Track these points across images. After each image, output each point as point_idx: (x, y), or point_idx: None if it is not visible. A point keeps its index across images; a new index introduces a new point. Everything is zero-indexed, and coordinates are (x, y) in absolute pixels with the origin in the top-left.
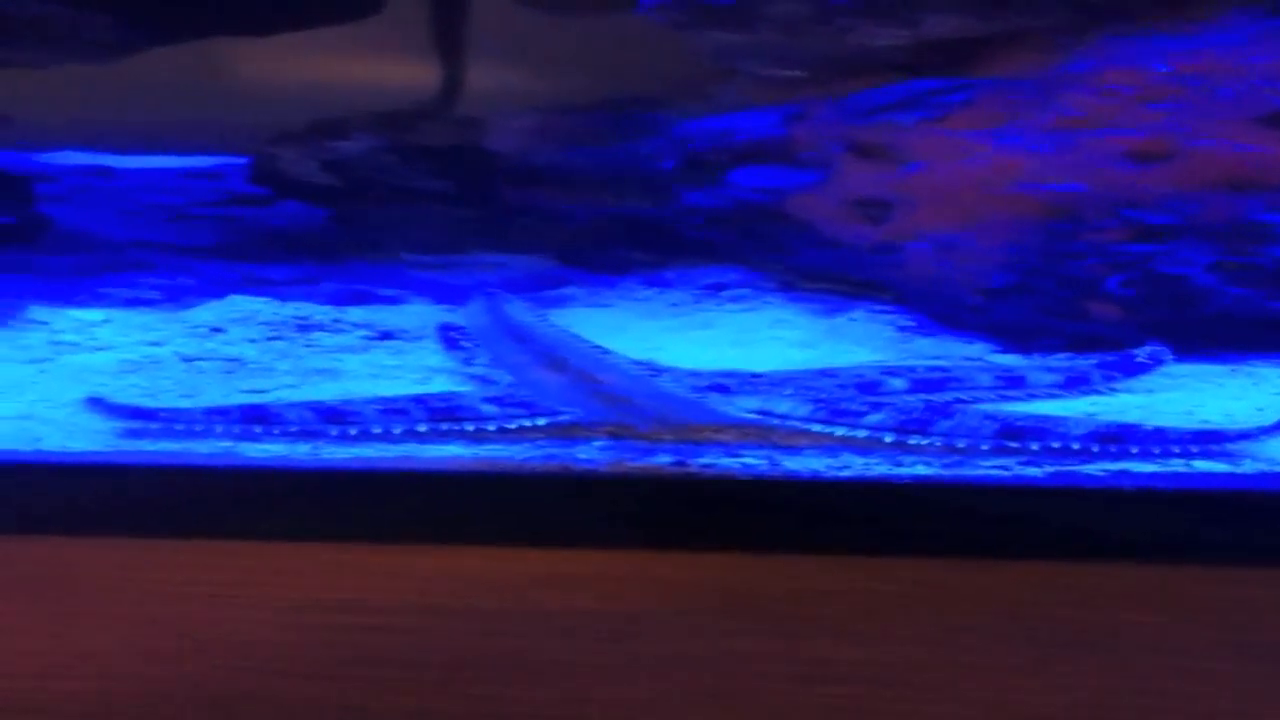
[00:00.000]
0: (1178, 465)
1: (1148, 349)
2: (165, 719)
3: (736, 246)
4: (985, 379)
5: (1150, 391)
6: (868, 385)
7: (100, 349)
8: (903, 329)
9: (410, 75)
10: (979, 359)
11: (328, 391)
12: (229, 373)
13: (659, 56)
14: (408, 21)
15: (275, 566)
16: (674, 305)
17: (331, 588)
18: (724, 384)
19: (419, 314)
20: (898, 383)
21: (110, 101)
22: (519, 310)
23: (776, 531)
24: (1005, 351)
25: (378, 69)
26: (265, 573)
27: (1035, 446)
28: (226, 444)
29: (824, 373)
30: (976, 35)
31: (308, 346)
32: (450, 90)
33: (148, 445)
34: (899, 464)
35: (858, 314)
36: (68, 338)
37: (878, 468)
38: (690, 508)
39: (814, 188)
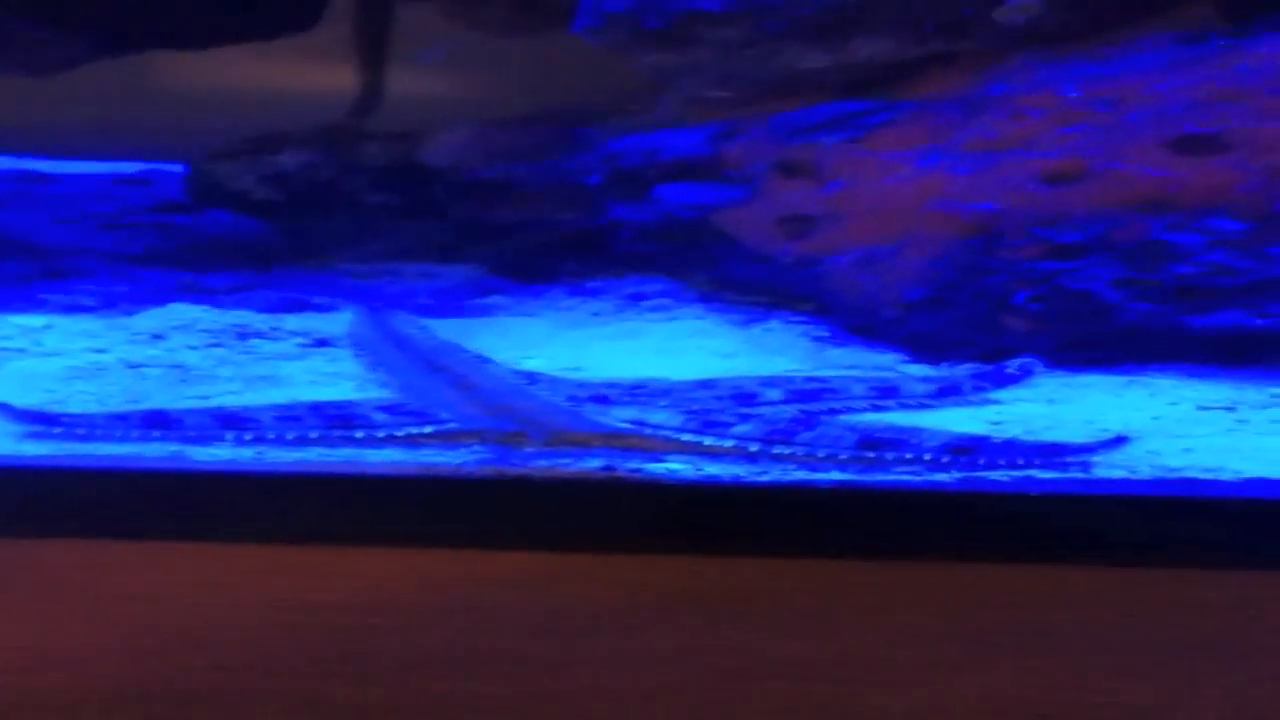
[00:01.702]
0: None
1: (1018, 361)
2: (141, 712)
3: (662, 259)
4: (859, 389)
5: (1052, 401)
6: (744, 396)
7: (47, 355)
8: (817, 339)
9: (345, 90)
10: (891, 368)
11: (272, 398)
12: (181, 380)
13: (590, 75)
14: (343, 37)
15: (234, 566)
16: (596, 315)
17: (291, 587)
18: (605, 394)
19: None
20: (773, 394)
21: (45, 109)
22: (401, 322)
23: (722, 534)
24: (917, 362)
25: (312, 83)
26: (225, 573)
27: (890, 456)
28: (174, 447)
29: (704, 384)
30: (898, 59)
31: (247, 354)
32: (384, 104)
33: (55, 449)
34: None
35: (774, 324)
36: (13, 343)
37: (796, 474)
38: (636, 511)
39: (740, 204)
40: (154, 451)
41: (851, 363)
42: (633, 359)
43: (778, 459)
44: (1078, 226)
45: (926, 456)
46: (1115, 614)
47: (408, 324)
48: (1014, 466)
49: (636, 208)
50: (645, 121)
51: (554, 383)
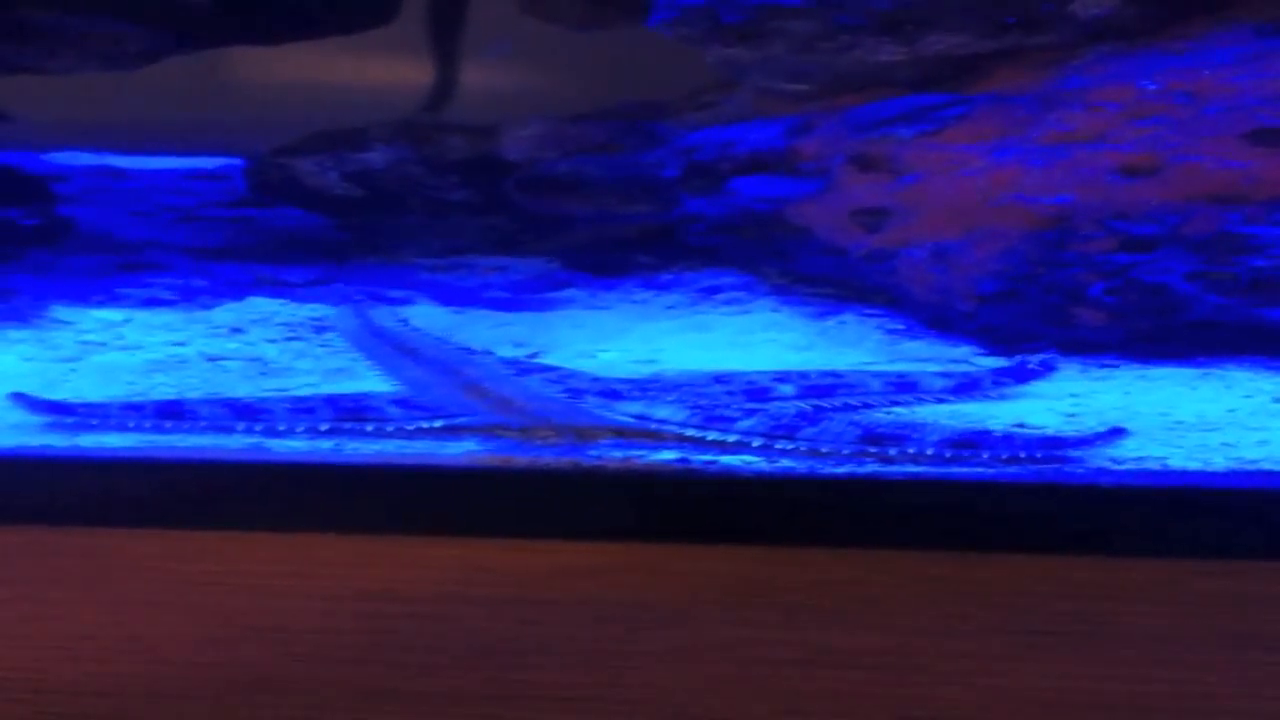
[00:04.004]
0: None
1: (1039, 356)
2: (217, 700)
3: (736, 252)
4: (876, 384)
5: (1127, 393)
6: (756, 391)
7: (127, 348)
8: (891, 332)
9: (420, 84)
10: (964, 360)
11: (349, 389)
12: (260, 373)
13: (666, 68)
14: (418, 32)
15: (308, 557)
16: (670, 308)
17: (361, 577)
18: (615, 389)
19: (427, 315)
20: (786, 389)
21: (124, 104)
22: (387, 317)
23: (782, 525)
24: (991, 355)
25: (387, 78)
26: (299, 563)
27: (893, 451)
28: (255, 439)
29: (718, 378)
30: (973, 52)
31: (324, 347)
32: (458, 99)
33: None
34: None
35: (848, 317)
36: (94, 337)
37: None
38: (699, 502)
39: (814, 197)
40: (181, 441)
41: (926, 356)
42: (706, 352)
43: (780, 454)
44: (1152, 219)
45: (929, 451)
46: (1179, 606)
47: (390, 318)
48: (1015, 460)
49: (711, 201)
50: (720, 115)
51: (564, 375)
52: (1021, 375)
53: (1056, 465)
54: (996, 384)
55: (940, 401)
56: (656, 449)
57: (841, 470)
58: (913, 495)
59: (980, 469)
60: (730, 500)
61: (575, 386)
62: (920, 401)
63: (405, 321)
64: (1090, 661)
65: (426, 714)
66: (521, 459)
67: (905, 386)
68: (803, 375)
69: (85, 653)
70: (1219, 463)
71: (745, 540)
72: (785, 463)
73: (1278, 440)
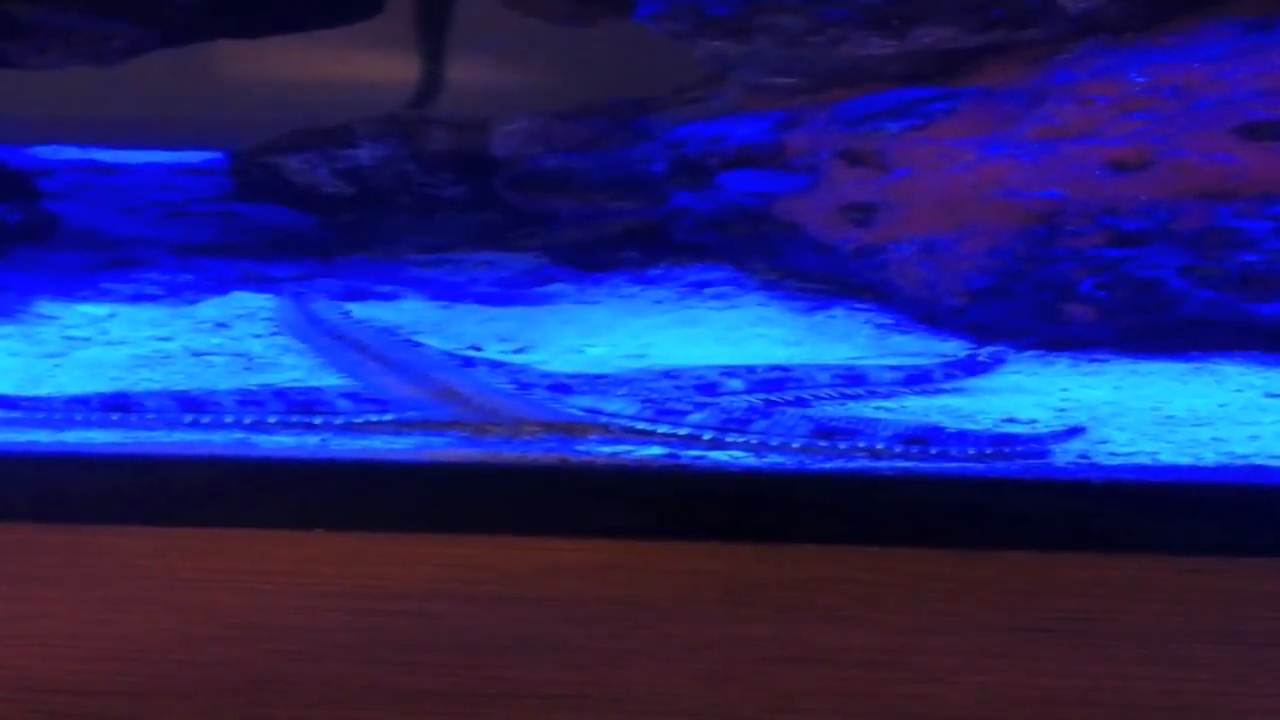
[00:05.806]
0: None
1: (988, 349)
2: (206, 699)
3: (724, 247)
4: (824, 377)
5: (1118, 388)
6: (706, 386)
7: (112, 344)
8: (880, 326)
9: (406, 79)
10: (934, 355)
11: (335, 384)
12: (245, 368)
13: (653, 63)
14: (404, 26)
15: (297, 554)
16: (658, 303)
17: (350, 575)
18: (566, 383)
19: (414, 310)
20: (735, 383)
21: (110, 99)
22: (328, 309)
23: (775, 523)
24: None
25: (372, 73)
26: (288, 560)
27: (843, 446)
28: (239, 435)
29: (667, 374)
30: (962, 46)
31: None
32: (444, 94)
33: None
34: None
35: (837, 312)
36: (79, 332)
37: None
38: (690, 499)
39: (802, 192)
40: (165, 437)
41: (915, 351)
42: (694, 347)
43: (731, 447)
44: (1143, 214)
45: (879, 446)
46: (1169, 604)
47: (332, 311)
48: (965, 457)
49: (699, 196)
50: (707, 109)
51: (513, 370)
52: (971, 368)
53: (1011, 461)
54: (947, 376)
55: (892, 395)
56: (609, 442)
57: (833, 467)
58: (905, 492)
59: (975, 466)
60: (722, 497)
61: (524, 381)
62: (872, 395)
63: (347, 314)
64: (1085, 659)
65: (416, 713)
66: (508, 455)
67: (854, 379)
68: (750, 370)
69: (72, 651)
70: (1210, 458)
71: (737, 538)
72: (774, 458)
73: (1269, 435)
